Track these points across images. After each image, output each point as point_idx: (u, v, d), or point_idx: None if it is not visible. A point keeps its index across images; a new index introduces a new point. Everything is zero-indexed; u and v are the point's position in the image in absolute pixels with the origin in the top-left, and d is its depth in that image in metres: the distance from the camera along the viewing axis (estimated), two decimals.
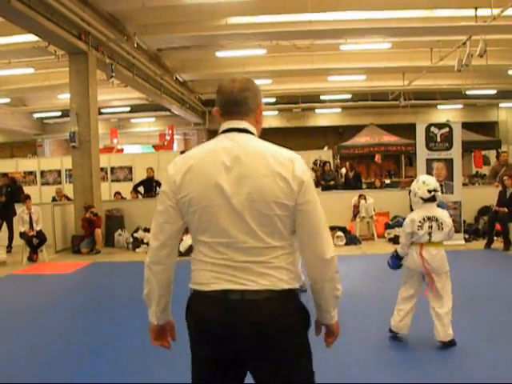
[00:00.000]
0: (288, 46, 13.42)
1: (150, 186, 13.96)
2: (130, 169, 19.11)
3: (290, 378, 2.04)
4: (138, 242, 11.44)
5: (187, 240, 10.33)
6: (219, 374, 2.10)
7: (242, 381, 2.17)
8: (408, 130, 16.09)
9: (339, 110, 24.15)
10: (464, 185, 14.50)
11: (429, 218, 4.72)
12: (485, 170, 18.97)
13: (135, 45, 12.50)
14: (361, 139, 18.90)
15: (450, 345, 4.60)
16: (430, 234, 4.71)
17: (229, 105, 2.13)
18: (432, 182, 4.83)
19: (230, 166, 2.02)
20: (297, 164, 2.04)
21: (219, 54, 14.61)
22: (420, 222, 4.72)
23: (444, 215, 4.80)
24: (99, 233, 11.21)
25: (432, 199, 4.80)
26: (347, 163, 15.55)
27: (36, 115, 24.10)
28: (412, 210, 5.04)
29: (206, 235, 2.06)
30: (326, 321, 2.24)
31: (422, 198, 4.78)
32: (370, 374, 4.21)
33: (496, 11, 10.77)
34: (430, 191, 4.76)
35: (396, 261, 5.01)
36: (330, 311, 2.21)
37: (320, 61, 15.65)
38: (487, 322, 5.46)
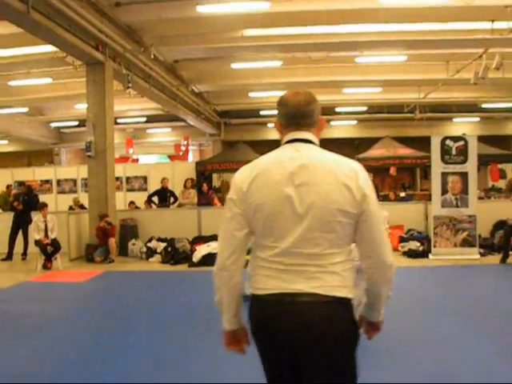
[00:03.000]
0: (303, 58, 13.48)
1: (164, 196, 14.00)
2: (145, 178, 19.23)
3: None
4: (151, 252, 11.48)
5: (201, 250, 10.38)
6: (285, 374, 2.21)
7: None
8: (423, 143, 16.01)
9: (355, 122, 24.14)
10: (480, 198, 14.39)
11: None
12: (501, 184, 18.78)
13: (152, 56, 12.64)
14: (376, 151, 18.84)
15: None
16: None
17: (296, 117, 2.24)
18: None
19: (297, 174, 2.12)
20: (361, 175, 2.15)
21: (234, 65, 14.71)
22: None
23: None
24: (113, 242, 11.27)
25: None
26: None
27: (53, 124, 24.40)
28: None
29: (269, 240, 2.16)
30: (374, 318, 2.38)
31: None
32: None
33: None
34: None
35: None
36: (380, 309, 2.35)
37: (335, 73, 15.70)
38: (501, 337, 5.38)
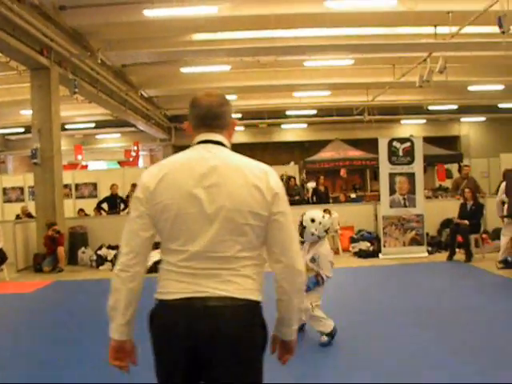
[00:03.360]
0: (252, 62, 13.54)
1: (114, 203, 13.79)
2: (94, 185, 18.81)
3: None
4: (101, 260, 11.26)
5: (152, 257, 10.21)
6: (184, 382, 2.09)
7: None
8: (372, 145, 16.23)
9: (305, 125, 24.35)
10: (428, 198, 14.77)
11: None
12: (448, 183, 19.30)
13: (99, 60, 12.41)
14: (326, 154, 19.08)
15: None
16: None
17: (208, 118, 2.18)
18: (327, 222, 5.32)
19: (207, 175, 2.06)
20: (271, 176, 2.11)
21: (184, 70, 14.63)
22: None
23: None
24: (62, 251, 10.99)
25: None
26: (321, 177, 15.57)
27: None
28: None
29: (177, 243, 2.07)
30: (286, 337, 2.24)
31: (318, 237, 5.22)
32: None
33: (454, 29, 11.07)
34: (325, 231, 5.26)
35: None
36: (292, 325, 2.22)
37: (284, 77, 15.83)
38: (451, 334, 5.52)
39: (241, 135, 24.07)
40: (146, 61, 13.83)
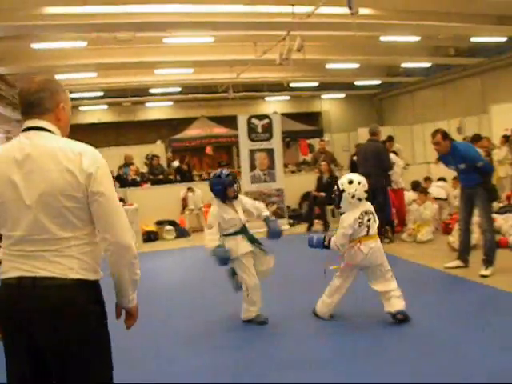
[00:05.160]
0: (109, 39, 12.96)
1: None
2: None
3: (81, 370, 2.18)
4: None
5: None
6: (25, 362, 2.20)
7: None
8: None
9: (171, 103, 24.02)
10: (292, 172, 15.31)
11: (366, 213, 4.90)
12: (310, 158, 20.06)
13: None
14: (192, 132, 19.01)
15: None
16: (368, 227, 4.88)
17: (26, 106, 2.33)
18: (364, 181, 5.00)
19: (22, 162, 2.18)
20: (85, 158, 2.18)
21: (35, 45, 13.71)
22: (360, 217, 4.85)
23: (371, 207, 5.03)
24: None
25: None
26: (181, 156, 15.52)
27: None
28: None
29: (5, 229, 2.23)
30: (125, 304, 2.41)
31: (359, 199, 4.92)
32: None
33: (311, 9, 11.40)
34: (366, 191, 4.95)
35: (320, 248, 5.06)
36: (129, 295, 2.37)
37: (144, 54, 15.41)
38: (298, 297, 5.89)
39: (104, 114, 23.28)
40: None
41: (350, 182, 4.95)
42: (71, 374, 2.17)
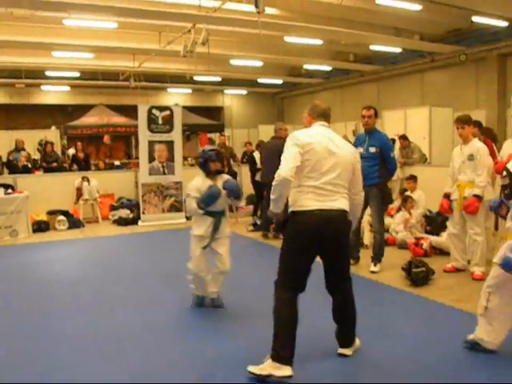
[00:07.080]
0: (5, 14, 12.18)
1: None
2: None
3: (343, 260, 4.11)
4: None
5: None
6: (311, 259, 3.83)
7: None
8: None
9: (68, 88, 22.97)
10: (191, 165, 15.20)
11: None
12: None
13: None
14: (89, 119, 18.25)
15: None
16: None
17: (324, 115, 4.07)
18: None
19: (332, 140, 3.89)
20: None
21: None
22: None
23: None
24: None
25: None
26: (78, 143, 14.89)
27: None
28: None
29: (314, 178, 3.76)
30: None
31: None
32: None
33: (218, 3, 11.38)
34: None
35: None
36: None
37: (41, 34, 14.66)
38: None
39: None
40: None
41: None
42: (339, 258, 3.97)
